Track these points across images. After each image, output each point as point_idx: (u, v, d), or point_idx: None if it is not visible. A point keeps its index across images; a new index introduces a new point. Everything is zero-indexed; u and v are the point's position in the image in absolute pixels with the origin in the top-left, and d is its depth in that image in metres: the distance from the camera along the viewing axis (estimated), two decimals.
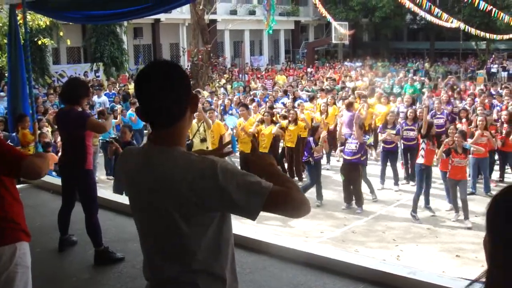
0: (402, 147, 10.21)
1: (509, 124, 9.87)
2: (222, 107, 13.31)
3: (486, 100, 12.99)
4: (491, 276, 1.08)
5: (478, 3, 19.32)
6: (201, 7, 19.72)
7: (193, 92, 1.80)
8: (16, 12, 7.58)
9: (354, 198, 8.88)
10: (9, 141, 8.82)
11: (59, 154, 7.41)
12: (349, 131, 10.17)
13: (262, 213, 1.63)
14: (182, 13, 29.18)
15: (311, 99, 13.80)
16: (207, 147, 8.94)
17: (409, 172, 10.25)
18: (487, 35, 24.76)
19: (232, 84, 21.37)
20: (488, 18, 28.46)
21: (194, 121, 9.14)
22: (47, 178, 6.75)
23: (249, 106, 11.42)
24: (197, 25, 20.17)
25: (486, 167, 9.46)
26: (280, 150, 11.11)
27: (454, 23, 21.99)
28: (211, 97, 15.08)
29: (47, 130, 10.33)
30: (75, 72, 23.44)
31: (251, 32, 37.03)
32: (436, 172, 9.09)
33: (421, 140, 8.61)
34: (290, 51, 41.20)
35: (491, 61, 33.72)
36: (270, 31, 17.84)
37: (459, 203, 8.09)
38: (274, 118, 10.57)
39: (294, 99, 14.16)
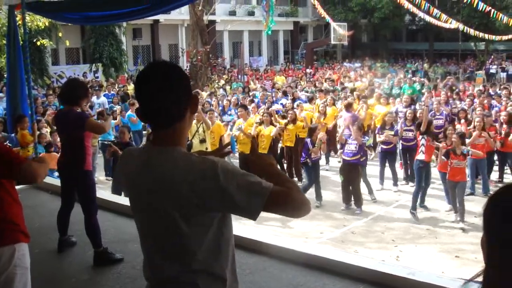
0: (401, 147, 10.21)
1: (508, 125, 9.88)
2: (221, 108, 13.31)
3: (485, 101, 13.01)
4: (488, 276, 1.08)
5: (477, 4, 19.34)
6: (200, 8, 19.72)
7: (193, 93, 1.80)
8: (15, 13, 7.58)
9: (353, 199, 8.88)
10: (8, 142, 8.81)
11: (59, 155, 7.39)
12: (349, 132, 10.17)
13: (261, 214, 1.63)
14: (181, 14, 29.19)
15: (310, 100, 13.81)
16: (206, 148, 8.94)
17: (408, 172, 10.26)
18: (486, 36, 24.78)
19: (231, 85, 21.36)
20: (487, 19, 28.49)
21: (193, 122, 9.14)
22: (46, 179, 6.74)
23: (248, 107, 11.42)
24: (196, 26, 20.17)
25: (484, 168, 9.46)
26: (279, 151, 11.12)
27: (453, 24, 21.98)
28: (210, 97, 15.09)
29: (46, 131, 10.32)
30: (74, 73, 23.44)
31: (250, 33, 37.06)
32: (435, 172, 9.10)
33: (420, 137, 8.63)
34: (289, 52, 41.24)
35: (490, 61, 33.78)
36: (269, 32, 17.86)
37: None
38: (272, 119, 10.58)
39: (293, 100, 14.16)
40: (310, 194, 8.80)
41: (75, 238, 5.06)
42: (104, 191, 8.15)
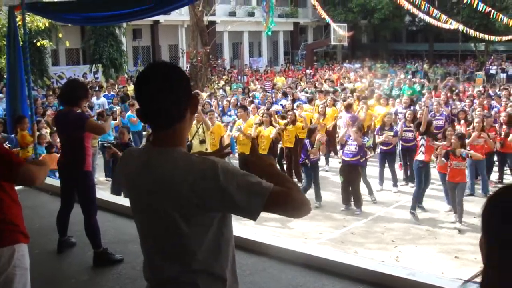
0: (401, 148, 10.22)
1: (508, 126, 9.88)
2: (220, 109, 13.31)
3: (485, 102, 13.01)
4: (487, 276, 1.08)
5: (477, 4, 19.34)
6: (200, 9, 19.72)
7: (193, 93, 1.80)
8: (15, 13, 7.58)
9: (353, 200, 8.88)
10: (7, 142, 8.81)
11: (58, 155, 7.40)
12: (349, 132, 10.16)
13: (261, 214, 1.63)
14: (181, 15, 29.21)
15: (310, 101, 13.81)
16: (206, 149, 8.95)
17: (408, 173, 10.26)
18: (486, 36, 24.78)
19: (231, 86, 21.37)
20: (487, 20, 28.50)
21: (193, 123, 9.14)
22: (46, 180, 6.74)
23: (248, 108, 11.42)
24: (196, 27, 20.16)
25: (483, 168, 9.47)
26: (278, 151, 11.12)
27: (453, 25, 21.96)
28: (210, 98, 15.09)
29: (46, 131, 10.32)
30: (74, 74, 23.45)
31: (250, 33, 37.06)
32: (435, 173, 9.10)
33: (419, 137, 8.63)
34: (289, 53, 41.24)
35: (490, 62, 33.78)
36: (269, 33, 17.81)
37: None
38: (272, 119, 10.58)
39: (293, 101, 14.16)
40: (310, 195, 8.80)
41: (74, 238, 5.05)
42: (104, 192, 8.15)
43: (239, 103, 13.36)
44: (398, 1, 19.12)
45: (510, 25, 21.46)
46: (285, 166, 10.93)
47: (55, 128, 7.57)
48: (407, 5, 19.66)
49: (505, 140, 9.78)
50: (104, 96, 16.24)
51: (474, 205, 8.45)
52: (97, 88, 17.27)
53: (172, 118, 1.71)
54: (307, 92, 17.37)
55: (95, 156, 10.02)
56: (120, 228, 5.47)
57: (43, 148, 9.23)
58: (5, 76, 10.17)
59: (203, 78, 19.92)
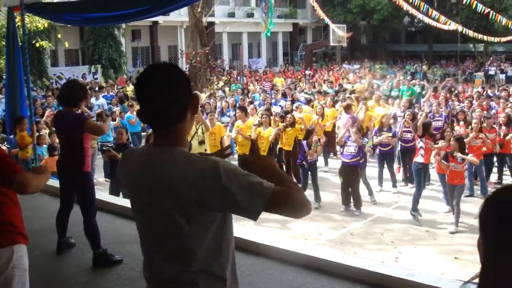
0: (400, 148, 10.21)
1: (507, 126, 9.88)
2: (219, 110, 13.30)
3: (484, 103, 13.02)
4: (483, 277, 1.07)
5: (476, 5, 19.35)
6: (199, 10, 19.70)
7: (194, 94, 1.80)
8: (14, 14, 7.58)
9: (352, 200, 8.88)
10: (6, 143, 8.81)
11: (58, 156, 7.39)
12: (348, 133, 10.15)
13: (261, 215, 1.63)
14: (180, 16, 29.20)
15: (308, 102, 13.79)
16: (205, 150, 8.93)
17: (407, 174, 10.26)
18: (485, 37, 24.80)
19: (230, 87, 21.37)
20: (486, 21, 28.50)
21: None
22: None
23: (247, 108, 11.41)
24: (195, 28, 20.14)
25: (481, 169, 9.47)
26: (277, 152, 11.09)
27: (452, 26, 21.98)
28: (209, 99, 15.08)
29: (45, 132, 10.30)
30: (73, 74, 23.46)
31: (249, 34, 37.07)
32: (434, 174, 9.10)
33: (418, 140, 8.63)
34: (288, 54, 41.24)
35: (489, 63, 33.82)
36: (268, 34, 17.83)
37: None
38: (272, 119, 10.56)
39: (293, 102, 14.16)
40: (309, 195, 8.80)
41: (74, 239, 5.05)
42: (103, 193, 8.13)
43: (237, 104, 13.36)
44: (397, 2, 19.12)
45: (509, 26, 21.44)
46: (284, 167, 10.91)
47: (54, 129, 7.56)
48: (406, 6, 19.67)
49: (504, 141, 9.78)
50: (103, 96, 16.23)
51: (473, 206, 8.45)
52: (96, 89, 17.27)
53: (171, 118, 1.72)
54: (306, 93, 17.36)
55: (94, 156, 10.00)
56: (119, 229, 5.47)
57: (42, 149, 9.22)
58: (4, 76, 10.15)
59: (202, 79, 19.90)
